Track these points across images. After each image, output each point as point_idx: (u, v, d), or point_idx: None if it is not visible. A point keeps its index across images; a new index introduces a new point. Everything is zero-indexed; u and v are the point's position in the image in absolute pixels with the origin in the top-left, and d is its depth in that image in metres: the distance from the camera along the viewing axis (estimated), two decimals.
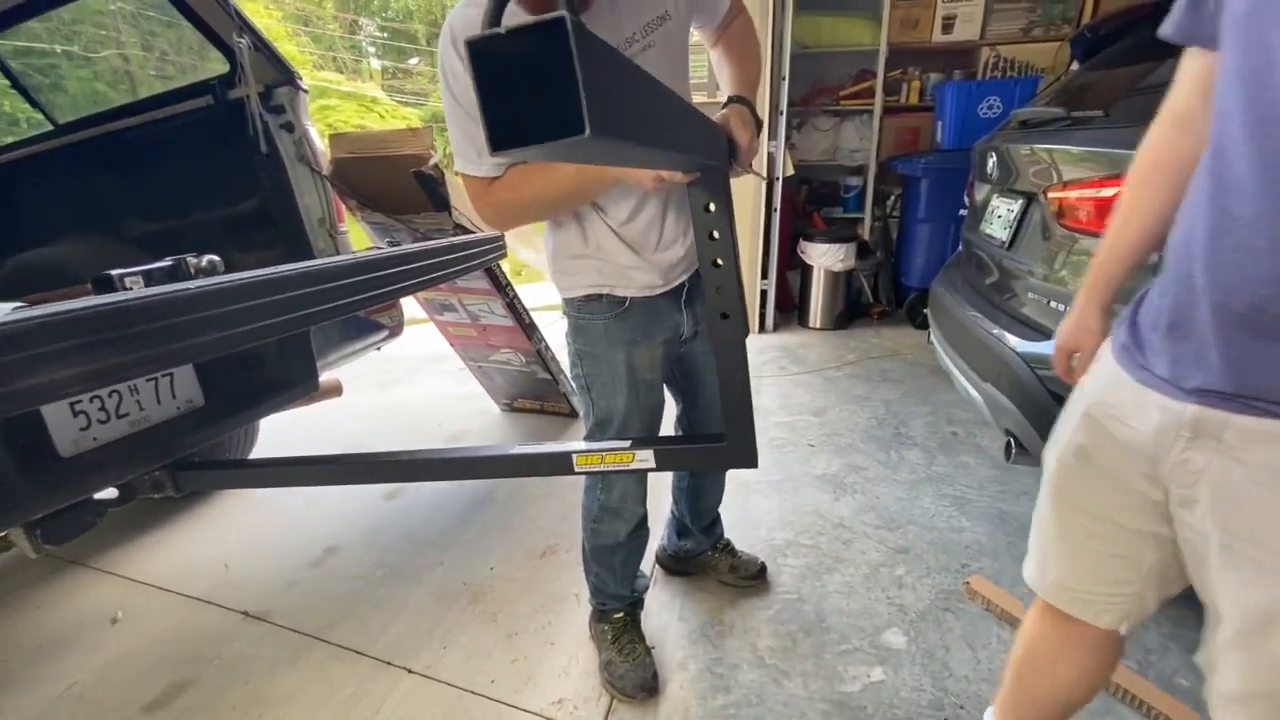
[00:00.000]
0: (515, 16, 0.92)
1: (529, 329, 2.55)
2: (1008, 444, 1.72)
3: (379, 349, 2.12)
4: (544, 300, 4.78)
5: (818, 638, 1.53)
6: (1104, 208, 1.49)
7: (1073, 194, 1.61)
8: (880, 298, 4.33)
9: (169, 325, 0.82)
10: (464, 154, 1.06)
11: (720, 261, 0.98)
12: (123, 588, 1.94)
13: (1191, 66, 0.74)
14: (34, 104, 2.29)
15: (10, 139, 2.47)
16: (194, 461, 1.43)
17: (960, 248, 2.51)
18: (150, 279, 1.20)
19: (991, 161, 2.06)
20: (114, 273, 1.16)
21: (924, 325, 4.02)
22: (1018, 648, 1.01)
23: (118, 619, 1.79)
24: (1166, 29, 0.74)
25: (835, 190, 4.54)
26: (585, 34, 0.41)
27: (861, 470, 2.30)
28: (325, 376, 1.85)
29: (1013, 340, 1.70)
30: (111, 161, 2.15)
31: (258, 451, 2.51)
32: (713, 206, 0.95)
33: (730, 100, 1.09)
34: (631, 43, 1.03)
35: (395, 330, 2.12)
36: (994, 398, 1.74)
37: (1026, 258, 1.80)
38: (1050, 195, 1.68)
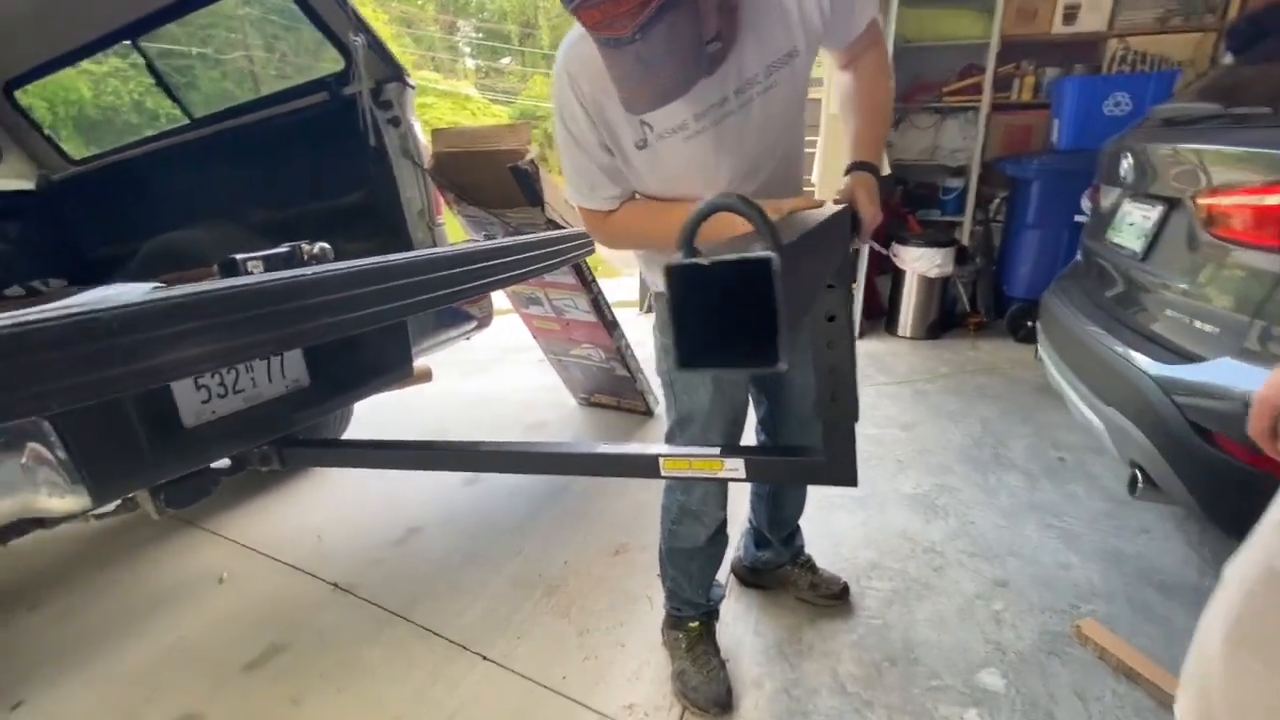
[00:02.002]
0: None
1: (611, 326, 2.55)
2: (1133, 476, 1.55)
3: (468, 339, 2.17)
4: (620, 296, 4.80)
5: (905, 669, 1.44)
6: (1268, 216, 1.32)
7: (1228, 200, 1.43)
8: (979, 307, 4.06)
9: (295, 308, 0.85)
10: (577, 186, 1.07)
11: (836, 368, 0.93)
12: (228, 550, 2.09)
13: None
14: (175, 100, 2.50)
15: (151, 131, 2.72)
16: (298, 439, 1.50)
17: (1079, 256, 2.30)
18: (269, 264, 1.27)
19: (1125, 163, 1.87)
20: (238, 257, 1.24)
21: (1027, 339, 3.76)
22: None
23: (223, 579, 1.93)
24: None
25: (933, 191, 4.29)
26: (789, 272, 0.41)
27: (955, 492, 2.15)
28: (418, 363, 1.91)
29: (1144, 361, 1.53)
30: (237, 153, 2.31)
31: (352, 431, 2.65)
32: (836, 318, 0.90)
33: (855, 166, 1.03)
34: (751, 84, 0.95)
35: (484, 321, 2.18)
36: (1118, 424, 1.57)
37: (1164, 270, 1.62)
38: (1199, 201, 1.50)
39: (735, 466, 1.05)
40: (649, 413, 2.92)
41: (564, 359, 2.95)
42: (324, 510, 2.31)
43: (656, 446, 1.12)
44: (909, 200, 4.32)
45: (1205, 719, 0.69)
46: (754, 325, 0.42)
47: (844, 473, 0.99)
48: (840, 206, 0.94)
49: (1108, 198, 2.07)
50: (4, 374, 0.62)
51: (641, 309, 5.40)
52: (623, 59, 0.76)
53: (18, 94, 2.68)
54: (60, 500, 1.05)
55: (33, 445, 1.01)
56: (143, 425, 1.16)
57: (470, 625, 1.66)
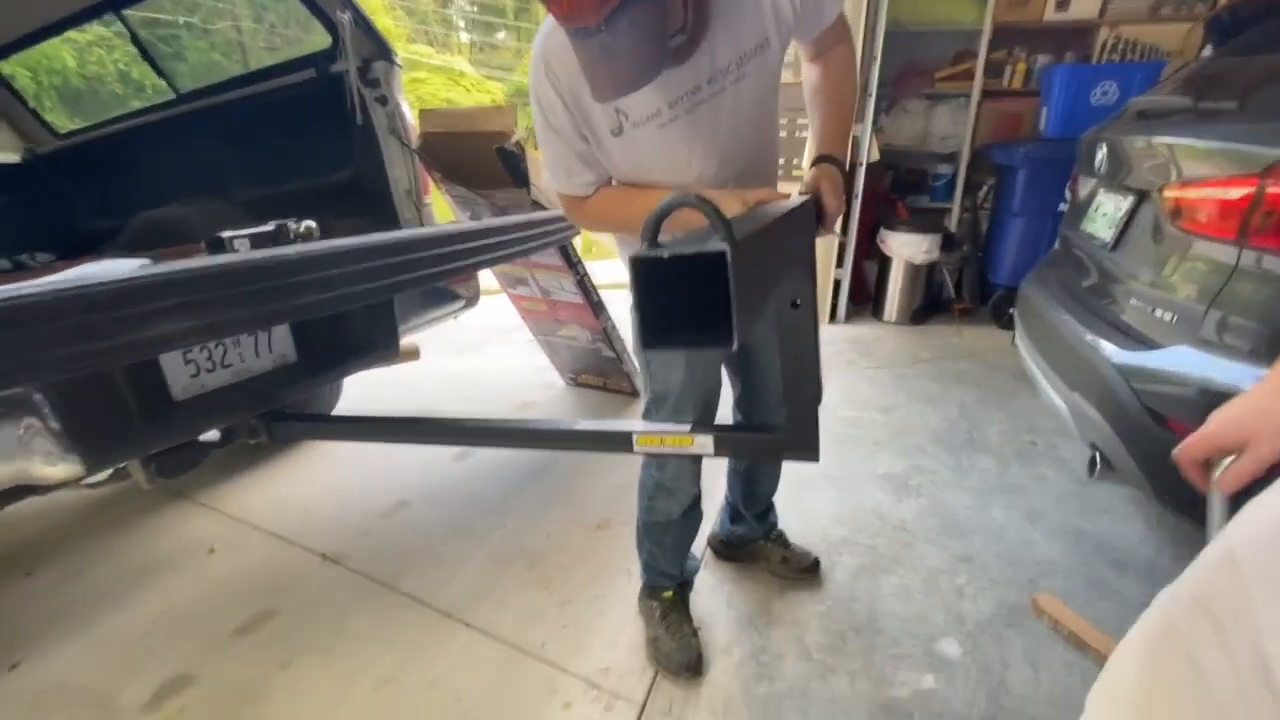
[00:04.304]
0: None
1: (597, 307, 2.58)
2: (1092, 459, 1.62)
3: (455, 318, 2.20)
4: (612, 278, 4.82)
5: (868, 638, 1.51)
6: (1229, 210, 1.36)
7: (1193, 193, 1.48)
8: (964, 294, 4.12)
9: (280, 285, 0.89)
10: (554, 171, 1.10)
11: (800, 352, 0.97)
12: (219, 522, 2.13)
13: None
14: (160, 73, 2.49)
15: (138, 104, 2.70)
16: (286, 413, 1.54)
17: (1057, 245, 2.35)
18: (256, 242, 1.29)
19: (1100, 153, 1.91)
20: (225, 234, 1.27)
21: (1009, 326, 3.80)
22: None
23: (214, 550, 1.98)
24: None
25: (923, 178, 4.32)
26: (743, 263, 0.46)
27: (928, 473, 2.22)
28: (405, 341, 1.94)
29: (1108, 349, 1.59)
30: (224, 129, 2.31)
31: (342, 406, 2.68)
32: (800, 303, 0.94)
33: (820, 159, 1.07)
34: (724, 74, 0.98)
35: (471, 301, 2.20)
36: (1080, 408, 1.63)
37: (1132, 261, 1.67)
38: (1166, 194, 1.55)
39: (704, 442, 1.10)
40: (634, 393, 2.97)
41: (552, 339, 2.98)
42: (313, 484, 2.35)
43: (631, 423, 1.16)
44: (898, 186, 4.34)
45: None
46: (713, 309, 0.47)
47: (806, 448, 1.04)
48: (804, 198, 0.98)
49: (1085, 188, 2.11)
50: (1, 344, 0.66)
51: None
52: (589, 48, 0.80)
53: (1, 66, 2.65)
54: (54, 469, 1.09)
55: (28, 416, 1.04)
56: (133, 398, 1.20)
57: (455, 595, 1.72)
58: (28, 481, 1.09)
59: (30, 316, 0.68)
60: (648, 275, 0.47)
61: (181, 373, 1.32)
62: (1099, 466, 1.59)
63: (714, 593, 1.69)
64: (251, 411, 1.45)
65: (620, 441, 1.15)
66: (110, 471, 1.33)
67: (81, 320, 0.71)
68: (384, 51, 1.99)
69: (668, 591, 1.51)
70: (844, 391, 2.92)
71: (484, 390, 3.22)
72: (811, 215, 0.98)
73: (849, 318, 4.03)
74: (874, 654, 1.46)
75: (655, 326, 0.48)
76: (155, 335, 0.77)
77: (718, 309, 0.45)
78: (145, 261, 0.76)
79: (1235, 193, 1.35)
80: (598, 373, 3.02)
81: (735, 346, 0.45)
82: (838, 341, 3.63)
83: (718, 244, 0.45)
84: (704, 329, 0.46)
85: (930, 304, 4.02)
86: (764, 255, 0.60)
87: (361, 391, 2.66)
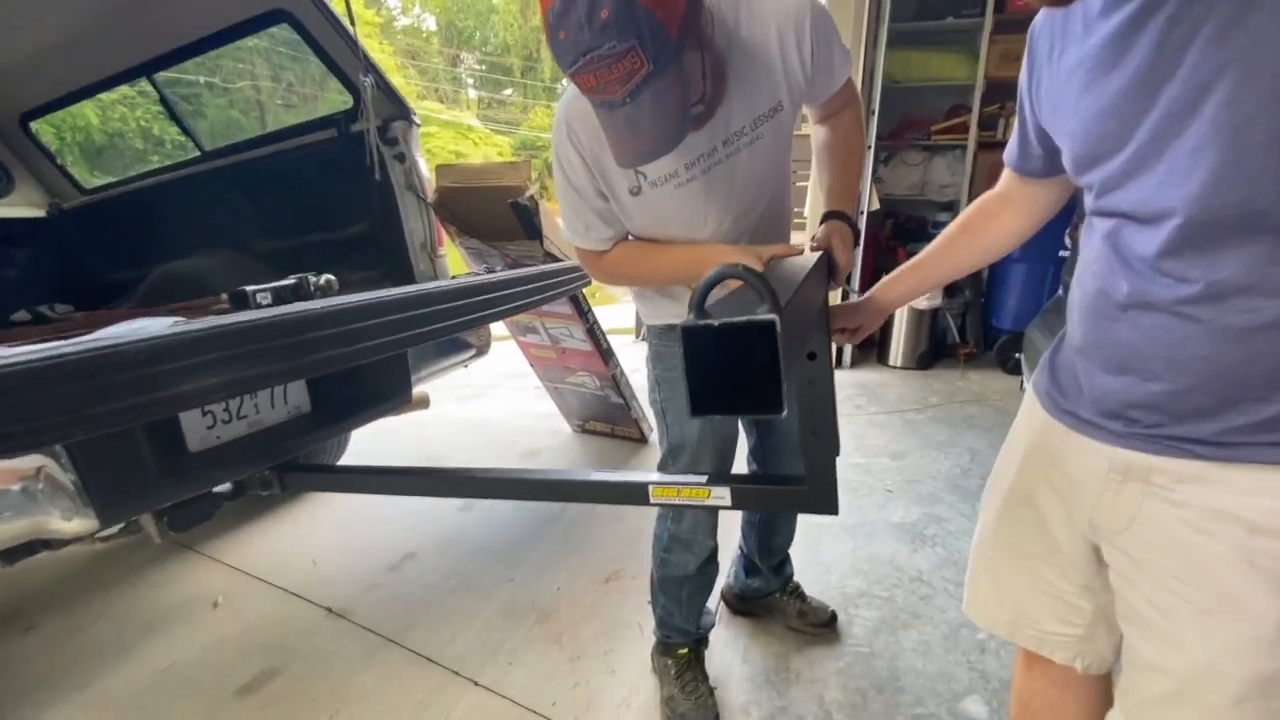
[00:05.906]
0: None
1: (606, 354, 2.60)
2: None
3: (466, 366, 2.22)
4: (617, 323, 4.87)
5: (890, 697, 1.46)
6: None
7: None
8: (968, 339, 4.14)
9: (306, 340, 0.90)
10: (573, 228, 1.14)
11: (817, 403, 0.99)
12: (224, 574, 2.10)
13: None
14: (187, 133, 2.58)
15: (158, 159, 2.79)
16: (298, 464, 1.54)
17: (1060, 291, 2.37)
18: (278, 295, 1.32)
19: None
20: (248, 289, 1.30)
21: (1015, 370, 3.82)
22: (1014, 704, 1.00)
23: (218, 603, 1.94)
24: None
25: (922, 225, 4.40)
26: (789, 332, 0.48)
27: (943, 522, 2.19)
28: (416, 390, 1.96)
29: None
30: (247, 184, 2.39)
31: (349, 454, 2.67)
32: (816, 355, 0.96)
33: (830, 215, 1.10)
34: (739, 136, 1.02)
35: (482, 349, 2.23)
36: None
37: None
38: None
39: (721, 494, 1.09)
40: (643, 439, 2.96)
41: (560, 386, 2.99)
42: (320, 536, 2.33)
43: (647, 474, 1.16)
44: (899, 234, 4.43)
45: (989, 607, 0.91)
46: (758, 376, 0.48)
47: (825, 501, 1.03)
48: (818, 254, 1.01)
49: None
50: (39, 402, 0.67)
51: (638, 336, 5.47)
52: (614, 119, 0.83)
53: (32, 125, 2.76)
54: (69, 523, 1.08)
55: (46, 469, 1.05)
56: (150, 450, 1.21)
57: (462, 652, 1.67)
58: (43, 536, 1.08)
59: (68, 374, 0.69)
60: (696, 343, 0.48)
61: (198, 425, 1.33)
62: None
63: (729, 648, 1.64)
64: (266, 462, 1.45)
65: (635, 493, 1.15)
66: (122, 524, 1.32)
67: (117, 378, 0.72)
68: (403, 111, 2.07)
69: (683, 649, 1.47)
70: (854, 437, 2.90)
71: (490, 437, 3.22)
72: (825, 271, 1.00)
73: (855, 363, 4.05)
74: (896, 714, 1.41)
75: (703, 392, 0.49)
76: (187, 391, 0.79)
77: (763, 376, 0.46)
78: (177, 320, 0.78)
79: None
80: (606, 419, 3.01)
81: (784, 414, 0.46)
82: (845, 387, 3.63)
83: (766, 315, 0.46)
84: (750, 396, 0.47)
85: (935, 349, 4.03)
86: (798, 317, 0.62)
87: (368, 442, 2.65)
